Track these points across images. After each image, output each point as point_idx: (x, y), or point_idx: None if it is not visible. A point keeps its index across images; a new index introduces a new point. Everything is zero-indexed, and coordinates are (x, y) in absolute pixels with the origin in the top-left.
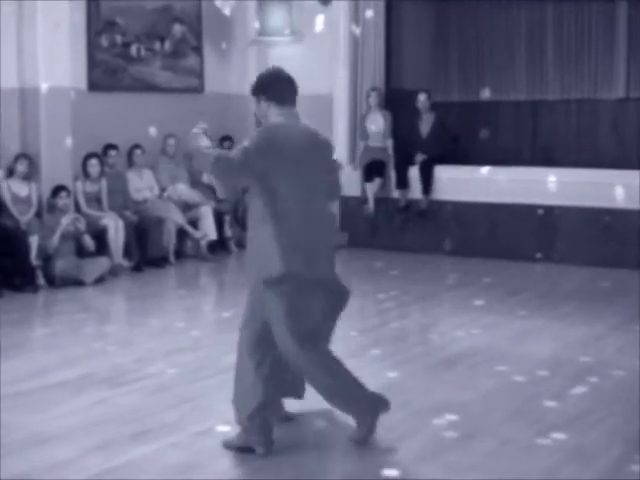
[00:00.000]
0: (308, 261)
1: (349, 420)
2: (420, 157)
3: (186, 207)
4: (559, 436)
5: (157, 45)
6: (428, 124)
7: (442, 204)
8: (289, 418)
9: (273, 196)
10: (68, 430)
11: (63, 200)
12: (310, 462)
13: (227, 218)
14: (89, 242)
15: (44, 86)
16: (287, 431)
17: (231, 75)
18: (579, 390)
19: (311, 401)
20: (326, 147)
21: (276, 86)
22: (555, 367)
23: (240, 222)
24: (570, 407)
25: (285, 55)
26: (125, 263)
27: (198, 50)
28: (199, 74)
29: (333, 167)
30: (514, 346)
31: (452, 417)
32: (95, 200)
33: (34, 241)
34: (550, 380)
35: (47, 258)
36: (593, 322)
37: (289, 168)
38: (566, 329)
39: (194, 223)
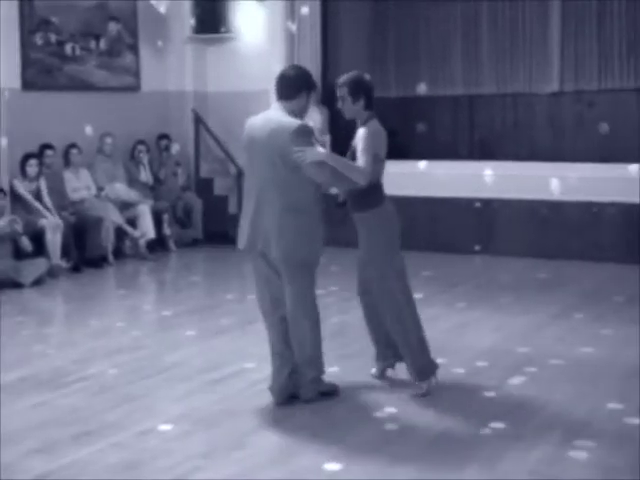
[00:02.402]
0: (250, 242)
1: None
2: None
3: (124, 206)
4: (498, 425)
5: (92, 44)
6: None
7: None
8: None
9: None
10: (10, 433)
11: None
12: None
13: (165, 217)
14: (27, 243)
15: None
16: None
17: (168, 73)
18: (518, 380)
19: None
20: (280, 134)
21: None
22: (494, 358)
23: (179, 220)
24: (509, 397)
25: (221, 52)
26: (63, 264)
27: (134, 48)
28: (135, 72)
29: (279, 155)
30: (453, 338)
31: (392, 410)
32: (34, 199)
33: None
34: (489, 371)
35: None
36: (532, 312)
37: (245, 155)
38: (505, 320)
39: (132, 222)
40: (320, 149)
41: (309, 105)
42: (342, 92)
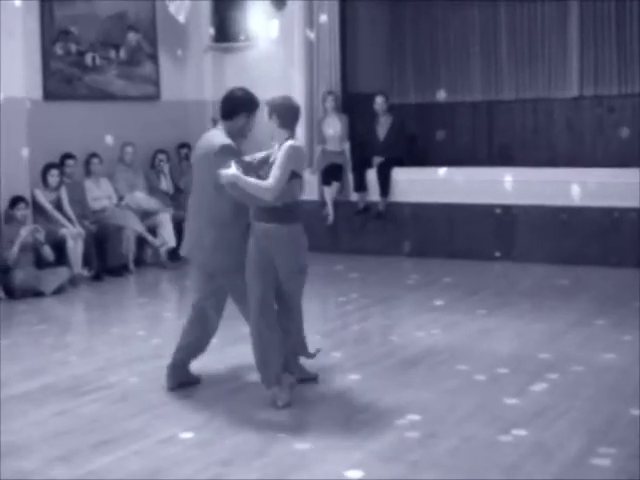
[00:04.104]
0: (190, 247)
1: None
2: (377, 160)
3: (144, 215)
4: (520, 432)
5: (112, 53)
6: (385, 126)
7: (400, 206)
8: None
9: None
10: (32, 441)
11: (21, 211)
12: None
13: None
14: (48, 252)
15: None
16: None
17: (187, 82)
18: (539, 387)
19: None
20: (207, 154)
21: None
22: (515, 364)
23: None
24: (530, 404)
25: (240, 61)
26: (85, 273)
27: (153, 58)
28: (155, 82)
29: (206, 171)
30: (474, 345)
31: (414, 417)
32: (55, 209)
33: None
34: (510, 377)
35: (6, 269)
36: (552, 319)
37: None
38: (525, 326)
39: (153, 231)
40: (232, 170)
41: (249, 126)
42: (265, 111)
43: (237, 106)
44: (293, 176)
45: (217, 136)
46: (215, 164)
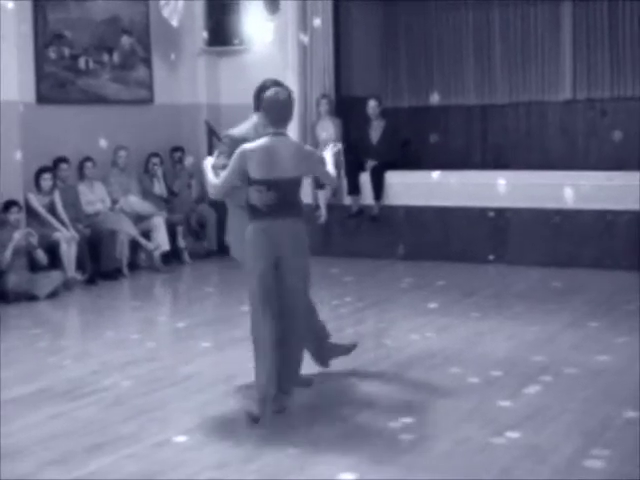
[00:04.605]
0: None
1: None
2: (371, 163)
3: (138, 219)
4: (513, 435)
5: (105, 57)
6: (378, 130)
7: (394, 209)
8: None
9: None
10: (26, 445)
11: (14, 215)
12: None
13: (180, 229)
14: (42, 256)
15: None
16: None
17: (181, 86)
18: (533, 389)
19: None
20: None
21: None
22: (509, 367)
23: (193, 232)
24: (524, 406)
25: (234, 64)
26: (78, 276)
27: (147, 61)
28: (148, 85)
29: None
30: (468, 348)
31: (408, 420)
32: (48, 213)
33: None
34: (504, 380)
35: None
36: (546, 321)
37: None
38: (519, 329)
39: (147, 234)
40: (208, 160)
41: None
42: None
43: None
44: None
45: (237, 127)
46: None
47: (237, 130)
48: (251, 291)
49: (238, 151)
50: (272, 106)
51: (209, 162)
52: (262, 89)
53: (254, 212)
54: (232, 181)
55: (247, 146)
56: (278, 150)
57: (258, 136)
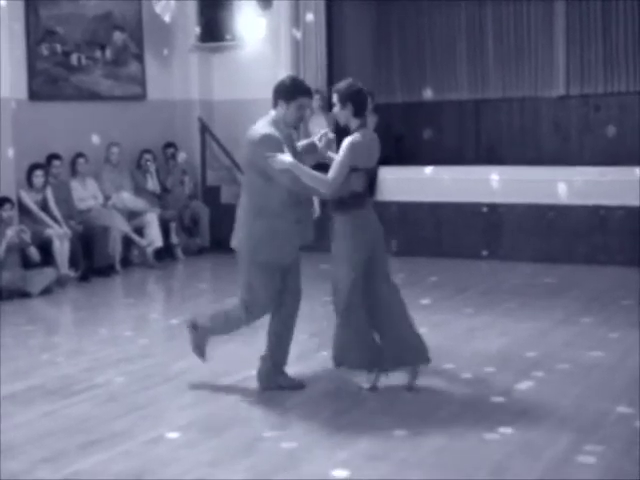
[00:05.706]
0: (239, 238)
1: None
2: None
3: (131, 215)
4: (506, 431)
5: (98, 53)
6: (371, 126)
7: (387, 205)
8: None
9: None
10: (18, 442)
11: (7, 212)
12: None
13: (173, 225)
14: (34, 253)
15: None
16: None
17: (173, 82)
18: (526, 385)
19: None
20: (249, 141)
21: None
22: (502, 363)
23: (186, 229)
24: (517, 402)
25: (227, 60)
26: (71, 273)
27: (139, 57)
28: (141, 81)
29: (248, 162)
30: (461, 344)
31: (401, 416)
32: (41, 209)
33: None
34: (497, 376)
35: None
36: (539, 317)
37: None
38: (512, 325)
39: (139, 231)
40: (287, 158)
41: (293, 116)
42: (334, 98)
43: (276, 93)
44: (352, 170)
45: (260, 125)
46: (257, 154)
47: (267, 129)
48: (346, 284)
49: (349, 144)
50: (362, 97)
51: (292, 160)
52: (281, 86)
53: (356, 199)
54: (345, 174)
55: (355, 139)
56: (374, 142)
57: (279, 132)
